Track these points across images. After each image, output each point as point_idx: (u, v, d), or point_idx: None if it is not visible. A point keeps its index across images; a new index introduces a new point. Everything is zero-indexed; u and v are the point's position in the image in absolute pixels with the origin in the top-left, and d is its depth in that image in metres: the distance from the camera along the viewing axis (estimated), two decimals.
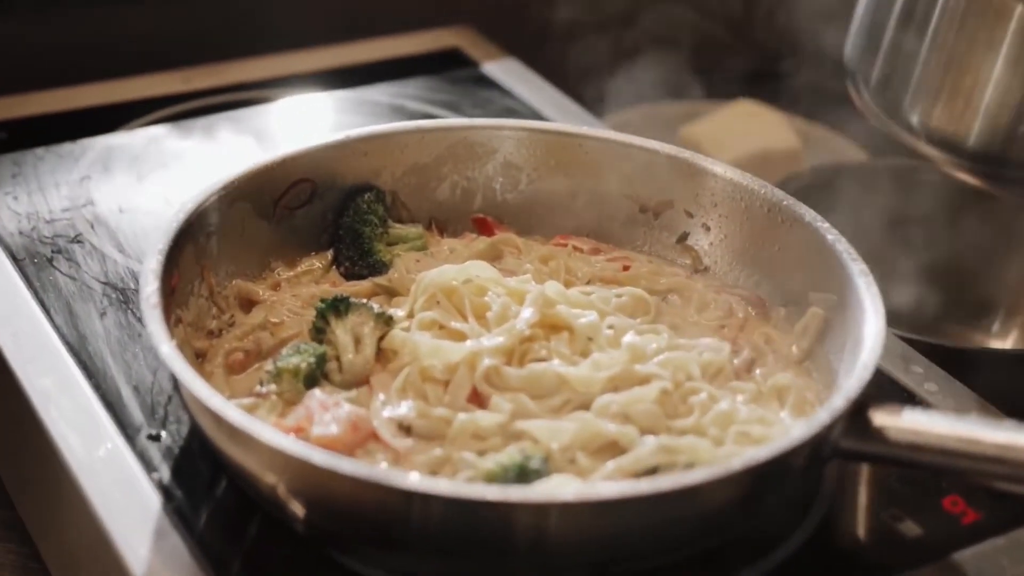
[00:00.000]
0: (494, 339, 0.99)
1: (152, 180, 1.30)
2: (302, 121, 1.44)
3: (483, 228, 1.19)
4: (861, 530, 0.94)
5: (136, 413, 1.00)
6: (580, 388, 0.97)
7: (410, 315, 1.04)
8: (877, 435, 0.90)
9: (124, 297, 1.12)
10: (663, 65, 1.70)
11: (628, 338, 1.01)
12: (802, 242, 1.08)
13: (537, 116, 1.45)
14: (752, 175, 1.13)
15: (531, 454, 0.90)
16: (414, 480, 0.83)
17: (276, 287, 1.10)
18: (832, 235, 1.05)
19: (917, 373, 1.09)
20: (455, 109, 1.45)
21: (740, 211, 1.13)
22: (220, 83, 1.49)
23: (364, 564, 0.90)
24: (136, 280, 1.14)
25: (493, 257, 1.14)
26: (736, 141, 1.64)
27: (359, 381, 1.00)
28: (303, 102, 1.47)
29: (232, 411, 0.87)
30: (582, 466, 0.91)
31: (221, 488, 0.94)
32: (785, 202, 1.09)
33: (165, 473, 0.95)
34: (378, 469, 0.89)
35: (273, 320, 1.06)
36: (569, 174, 1.18)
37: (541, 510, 0.82)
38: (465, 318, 1.02)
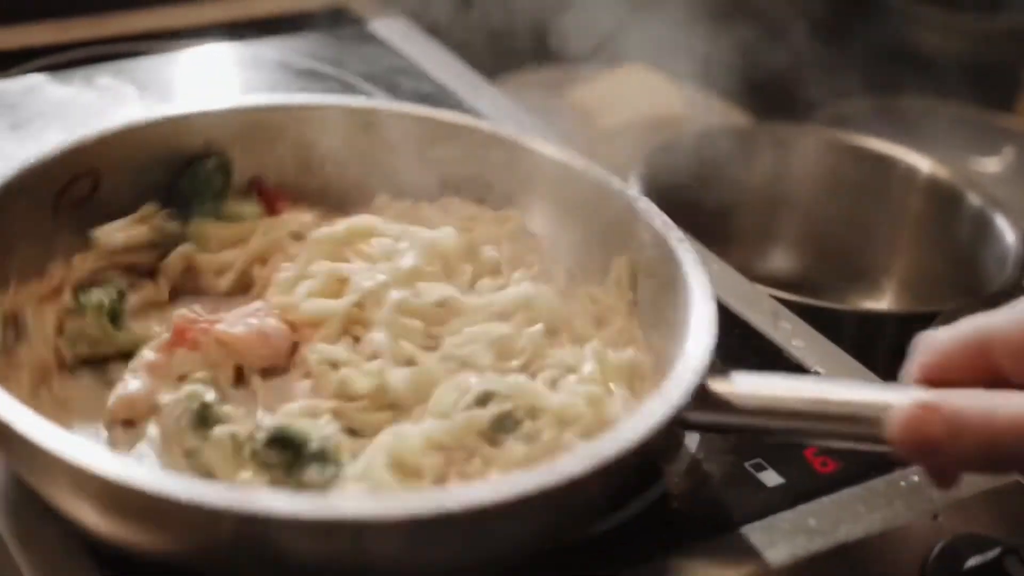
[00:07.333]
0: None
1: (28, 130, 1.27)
2: (184, 75, 1.42)
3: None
4: (725, 479, 0.95)
5: None
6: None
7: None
8: (723, 405, 0.86)
9: None
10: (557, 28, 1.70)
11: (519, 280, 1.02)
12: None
13: (423, 76, 1.45)
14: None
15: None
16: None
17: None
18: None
19: (785, 329, 1.10)
20: (341, 66, 1.45)
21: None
22: (99, 35, 1.47)
23: None
24: None
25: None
26: (622, 106, 1.66)
27: None
28: (186, 56, 1.45)
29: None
30: None
31: None
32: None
33: None
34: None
35: None
36: (366, 152, 1.12)
37: None
38: None
